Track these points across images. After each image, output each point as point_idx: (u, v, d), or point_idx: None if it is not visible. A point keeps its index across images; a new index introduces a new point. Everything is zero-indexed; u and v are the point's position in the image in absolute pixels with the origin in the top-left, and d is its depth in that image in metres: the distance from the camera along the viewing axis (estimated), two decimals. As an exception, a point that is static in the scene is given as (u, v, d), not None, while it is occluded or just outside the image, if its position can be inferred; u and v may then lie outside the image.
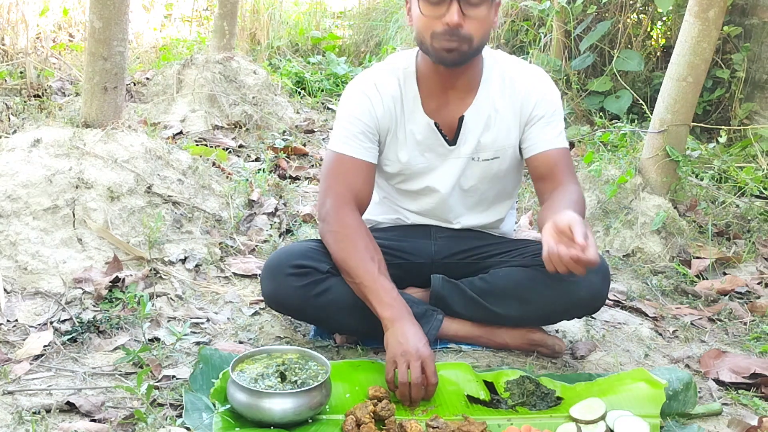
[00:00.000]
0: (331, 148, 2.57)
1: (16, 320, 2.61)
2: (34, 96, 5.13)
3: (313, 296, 2.48)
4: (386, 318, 2.31)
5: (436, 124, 2.58)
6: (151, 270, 2.97)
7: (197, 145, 4.50)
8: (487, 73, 2.59)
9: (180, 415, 2.13)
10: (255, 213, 3.70)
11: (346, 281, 2.46)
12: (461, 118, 2.58)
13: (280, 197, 3.99)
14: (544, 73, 2.66)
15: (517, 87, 2.59)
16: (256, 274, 3.12)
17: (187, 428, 2.05)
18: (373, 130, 2.57)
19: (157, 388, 2.27)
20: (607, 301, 2.90)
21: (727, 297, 3.26)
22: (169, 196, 3.28)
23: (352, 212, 2.49)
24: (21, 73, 5.37)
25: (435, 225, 2.77)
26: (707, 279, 3.41)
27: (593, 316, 2.97)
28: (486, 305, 2.62)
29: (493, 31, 2.76)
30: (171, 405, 2.20)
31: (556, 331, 2.82)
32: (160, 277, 2.99)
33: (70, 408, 2.14)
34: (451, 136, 2.60)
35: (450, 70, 2.49)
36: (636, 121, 5.45)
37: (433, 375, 2.22)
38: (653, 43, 6.10)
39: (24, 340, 2.51)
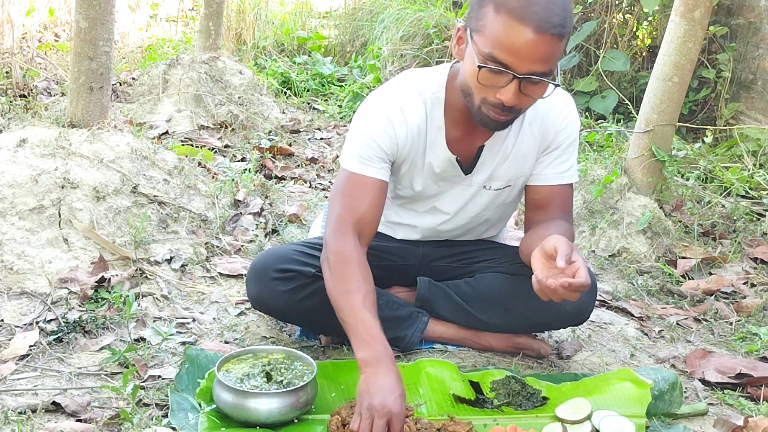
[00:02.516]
0: (344, 167, 2.40)
1: (2, 320, 2.60)
2: (20, 96, 5.12)
3: (297, 300, 2.46)
4: (360, 359, 2.09)
5: (457, 159, 2.46)
6: (136, 270, 2.96)
7: (183, 145, 4.50)
8: None
9: (166, 415, 2.13)
10: (241, 213, 3.69)
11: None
12: (481, 147, 2.47)
13: (266, 197, 3.99)
14: (570, 100, 2.51)
15: (539, 113, 2.45)
16: (242, 274, 3.12)
17: (173, 428, 2.05)
18: (391, 154, 2.41)
19: (142, 388, 2.27)
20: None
21: (712, 297, 3.27)
22: (154, 196, 3.27)
23: (350, 239, 2.31)
24: (7, 73, 5.36)
25: (424, 241, 2.73)
26: (693, 279, 3.42)
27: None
28: (471, 311, 2.62)
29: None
30: (157, 405, 2.19)
31: (542, 332, 2.82)
32: (146, 277, 2.98)
33: (55, 408, 2.14)
34: (468, 163, 2.49)
35: None
36: (622, 121, 5.47)
37: None
38: (639, 43, 6.13)
39: (10, 340, 2.49)
